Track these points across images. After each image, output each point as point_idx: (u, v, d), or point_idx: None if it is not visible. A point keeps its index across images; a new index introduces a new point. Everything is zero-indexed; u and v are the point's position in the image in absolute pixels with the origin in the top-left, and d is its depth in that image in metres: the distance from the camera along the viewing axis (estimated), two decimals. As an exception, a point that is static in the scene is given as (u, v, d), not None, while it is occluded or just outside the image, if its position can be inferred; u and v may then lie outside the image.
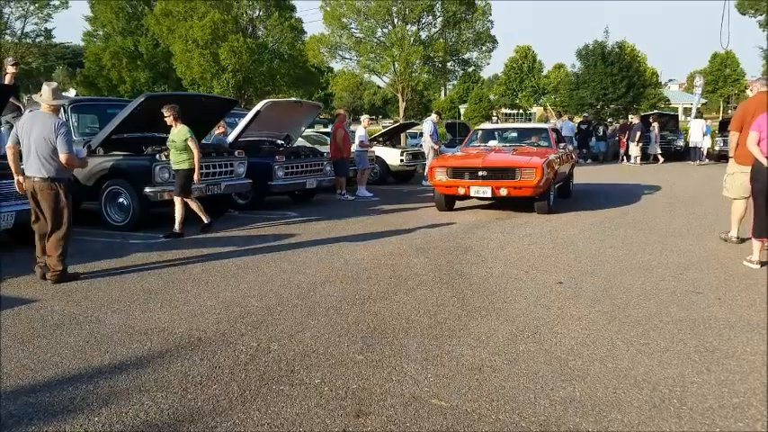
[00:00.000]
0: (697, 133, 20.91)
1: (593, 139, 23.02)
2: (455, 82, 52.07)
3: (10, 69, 9.47)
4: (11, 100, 8.74)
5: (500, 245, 7.24)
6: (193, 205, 8.01)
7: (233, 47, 34.63)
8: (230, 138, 10.88)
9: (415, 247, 7.10)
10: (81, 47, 42.76)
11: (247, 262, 6.41)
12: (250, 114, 10.73)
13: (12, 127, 8.58)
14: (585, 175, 16.30)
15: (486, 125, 14.41)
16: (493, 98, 53.86)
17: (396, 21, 37.89)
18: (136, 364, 3.66)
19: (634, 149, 20.72)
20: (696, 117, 22.91)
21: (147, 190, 8.06)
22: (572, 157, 12.15)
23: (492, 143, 11.15)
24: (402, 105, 38.23)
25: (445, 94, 55.31)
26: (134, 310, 4.75)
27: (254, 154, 10.22)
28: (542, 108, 40.56)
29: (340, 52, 40.19)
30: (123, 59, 39.89)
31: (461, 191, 9.42)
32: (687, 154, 21.56)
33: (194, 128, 7.92)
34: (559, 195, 10.93)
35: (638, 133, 20.53)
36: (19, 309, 4.76)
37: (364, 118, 14.27)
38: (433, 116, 15.12)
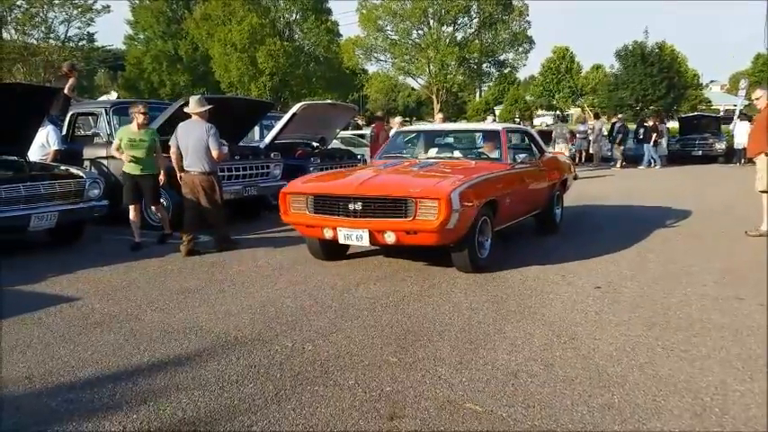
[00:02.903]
0: (741, 135, 20.42)
1: (632, 141, 22.54)
2: (490, 83, 51.76)
3: (68, 71, 9.99)
4: (65, 92, 9.46)
5: (535, 247, 7.16)
6: (134, 217, 7.31)
7: (270, 50, 35.07)
8: (267, 140, 11.00)
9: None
10: (122, 50, 43.79)
11: (282, 262, 6.46)
12: (286, 117, 10.84)
13: (52, 123, 8.91)
14: (605, 185, 15.98)
15: (414, 126, 10.89)
16: (529, 99, 53.34)
17: (431, 22, 37.87)
18: (174, 362, 3.73)
19: (616, 152, 20.63)
20: (741, 120, 22.34)
21: (186, 191, 8.18)
22: (559, 172, 8.34)
23: (433, 152, 7.60)
24: (437, 107, 38.15)
25: (480, 96, 55.01)
26: (172, 308, 4.83)
27: (289, 156, 10.31)
28: (580, 109, 40.05)
29: (375, 54, 40.37)
30: (163, 63, 40.77)
31: (328, 234, 5.82)
32: (733, 155, 21.05)
33: (233, 130, 7.96)
34: (539, 229, 8.09)
35: (621, 135, 20.39)
36: (61, 306, 4.89)
37: (396, 120, 14.26)
38: (490, 118, 14.96)
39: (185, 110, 7.04)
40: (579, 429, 2.87)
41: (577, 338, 4.07)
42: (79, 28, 33.34)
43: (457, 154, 7.43)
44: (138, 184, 7.16)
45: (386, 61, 41.41)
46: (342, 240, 5.75)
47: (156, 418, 3.01)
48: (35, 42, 31.65)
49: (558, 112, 41.66)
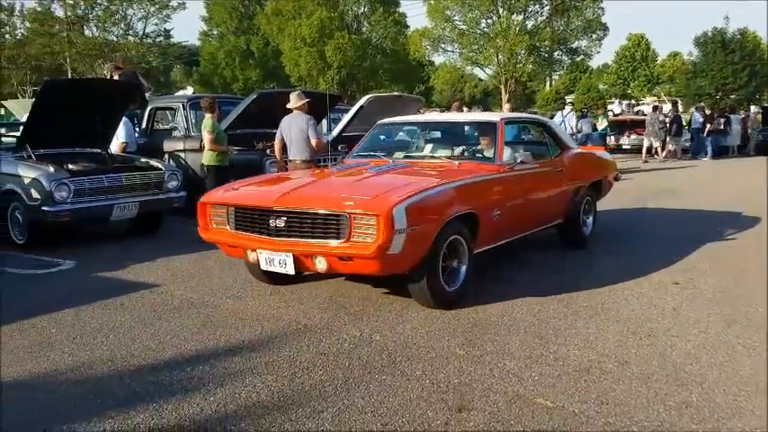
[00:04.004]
0: None
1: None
2: (561, 72, 50.53)
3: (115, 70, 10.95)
4: (140, 77, 10.81)
5: (609, 239, 6.96)
6: None
7: (338, 44, 35.38)
8: (334, 132, 11.13)
9: (518, 240, 6.95)
10: (197, 46, 45.21)
11: (351, 253, 6.52)
12: (353, 110, 10.92)
13: (130, 119, 9.34)
14: (679, 177, 15.26)
15: (400, 118, 7.69)
16: (603, 88, 51.74)
17: (501, 11, 37.22)
18: (248, 347, 3.85)
19: (672, 144, 19.57)
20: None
21: (258, 182, 8.40)
22: (588, 172, 6.96)
23: (421, 149, 6.41)
24: (504, 97, 37.47)
25: (550, 85, 53.78)
26: (246, 296, 4.98)
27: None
28: (656, 98, 38.57)
29: (442, 45, 40.01)
30: (236, 58, 41.87)
31: (252, 257, 4.69)
32: None
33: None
34: (564, 242, 6.68)
35: (675, 126, 19.31)
36: (142, 293, 5.12)
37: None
38: (568, 108, 14.35)
39: (287, 105, 7.32)
40: (655, 428, 2.79)
41: (654, 335, 3.95)
42: (156, 25, 34.72)
43: (445, 152, 6.02)
44: (221, 174, 7.54)
45: (453, 52, 41.06)
46: (263, 266, 4.63)
47: (231, 400, 3.12)
48: (115, 39, 33.14)
49: (632, 101, 40.16)
